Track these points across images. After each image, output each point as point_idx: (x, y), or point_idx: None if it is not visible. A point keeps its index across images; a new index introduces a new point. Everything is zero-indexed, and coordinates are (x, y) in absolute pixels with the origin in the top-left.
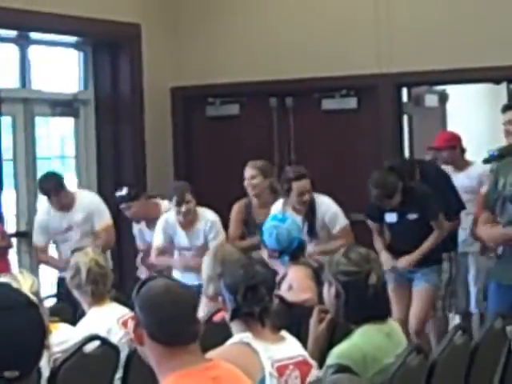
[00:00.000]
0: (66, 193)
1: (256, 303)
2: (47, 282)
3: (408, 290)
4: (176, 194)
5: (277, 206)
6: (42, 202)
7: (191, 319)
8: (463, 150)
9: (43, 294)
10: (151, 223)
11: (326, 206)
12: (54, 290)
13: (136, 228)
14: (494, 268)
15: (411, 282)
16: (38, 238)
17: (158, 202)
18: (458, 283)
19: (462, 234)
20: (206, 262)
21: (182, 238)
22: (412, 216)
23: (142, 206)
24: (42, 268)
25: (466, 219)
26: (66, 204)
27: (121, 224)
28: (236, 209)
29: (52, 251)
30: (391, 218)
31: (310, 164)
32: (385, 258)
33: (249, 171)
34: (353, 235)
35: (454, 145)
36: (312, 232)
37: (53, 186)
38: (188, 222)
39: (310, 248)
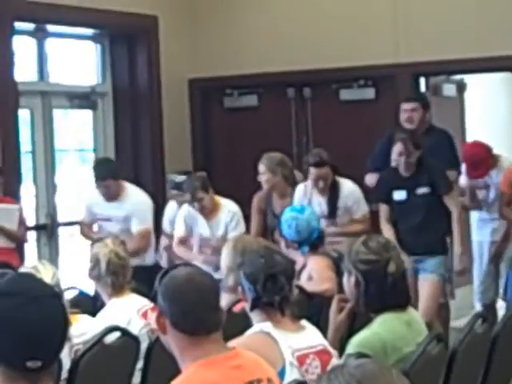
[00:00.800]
0: (118, 183)
1: (276, 292)
2: (67, 273)
3: (414, 281)
4: (188, 192)
5: (300, 188)
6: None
7: (214, 308)
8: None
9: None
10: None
11: (350, 190)
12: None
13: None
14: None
15: (417, 272)
16: (84, 215)
17: None
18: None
19: (490, 224)
20: (226, 253)
21: (203, 227)
22: (422, 190)
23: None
24: (62, 259)
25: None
26: (113, 194)
27: None
28: (256, 199)
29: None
30: (400, 195)
31: (328, 153)
32: None
33: (259, 167)
34: (370, 224)
35: (488, 165)
36: (332, 215)
37: (105, 172)
38: (209, 211)
39: (329, 230)
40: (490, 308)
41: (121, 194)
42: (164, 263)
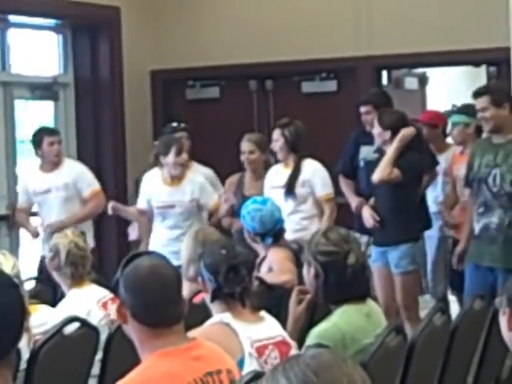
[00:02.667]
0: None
1: (237, 284)
2: (27, 264)
3: (389, 271)
4: (175, 145)
5: (272, 171)
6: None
7: (176, 301)
8: (445, 133)
9: (23, 277)
10: None
11: (314, 167)
12: (34, 273)
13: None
14: (471, 249)
15: (386, 260)
16: (20, 200)
17: None
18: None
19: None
20: (186, 244)
21: (163, 194)
22: None
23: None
24: (23, 250)
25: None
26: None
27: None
28: (228, 185)
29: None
30: (368, 152)
31: None
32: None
33: (247, 146)
34: (335, 209)
35: (435, 124)
36: (291, 188)
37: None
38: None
39: (286, 208)
40: (442, 301)
41: (60, 163)
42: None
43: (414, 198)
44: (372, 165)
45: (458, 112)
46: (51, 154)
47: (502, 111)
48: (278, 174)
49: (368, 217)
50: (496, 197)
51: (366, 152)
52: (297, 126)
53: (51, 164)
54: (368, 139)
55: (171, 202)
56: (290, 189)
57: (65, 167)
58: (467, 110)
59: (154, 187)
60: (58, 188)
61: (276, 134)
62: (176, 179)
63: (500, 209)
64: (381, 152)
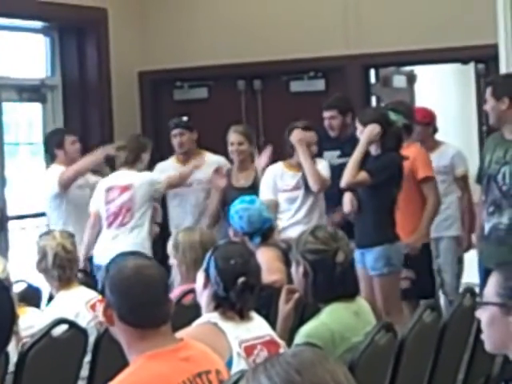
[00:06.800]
0: None
1: (244, 299)
2: (17, 267)
3: (362, 271)
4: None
5: (275, 168)
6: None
7: (162, 301)
8: (435, 130)
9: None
10: None
11: (324, 165)
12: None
13: None
14: (481, 251)
15: (364, 262)
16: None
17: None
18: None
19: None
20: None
21: None
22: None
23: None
24: (12, 253)
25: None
26: None
27: None
28: None
29: None
30: (332, 157)
31: (278, 146)
32: None
33: (236, 137)
34: None
35: (429, 122)
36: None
37: None
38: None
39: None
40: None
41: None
42: None
43: (389, 199)
44: (336, 170)
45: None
46: (76, 151)
47: (501, 105)
48: (284, 176)
49: (347, 201)
50: (506, 196)
51: (329, 157)
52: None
53: (73, 162)
54: (331, 144)
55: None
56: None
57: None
58: (395, 108)
59: None
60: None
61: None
62: None
63: (510, 209)
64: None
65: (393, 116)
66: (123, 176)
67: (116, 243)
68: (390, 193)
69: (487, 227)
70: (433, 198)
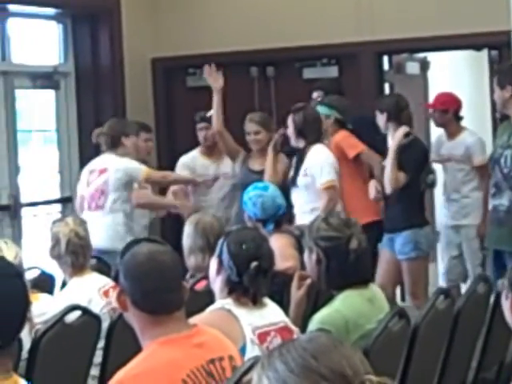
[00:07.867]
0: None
1: (258, 283)
2: (30, 254)
3: (390, 255)
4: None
5: (326, 152)
6: None
7: (175, 287)
8: (459, 117)
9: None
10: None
11: (316, 154)
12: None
13: None
14: (487, 232)
15: (393, 246)
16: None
17: None
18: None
19: (453, 206)
20: (187, 234)
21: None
22: None
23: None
24: (25, 240)
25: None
26: None
27: None
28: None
29: None
30: None
31: None
32: None
33: (252, 126)
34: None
35: (446, 108)
36: (294, 179)
37: None
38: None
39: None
40: (455, 289)
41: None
42: None
43: (417, 185)
44: None
45: (321, 104)
46: (145, 150)
47: (505, 93)
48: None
49: (372, 187)
50: (506, 178)
51: None
52: (306, 112)
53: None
54: None
55: None
56: (293, 179)
57: None
58: (330, 103)
59: None
60: None
61: (289, 119)
62: None
63: (510, 191)
64: None
65: (326, 110)
66: (103, 159)
67: (91, 225)
68: (418, 178)
69: (490, 208)
70: (376, 159)
